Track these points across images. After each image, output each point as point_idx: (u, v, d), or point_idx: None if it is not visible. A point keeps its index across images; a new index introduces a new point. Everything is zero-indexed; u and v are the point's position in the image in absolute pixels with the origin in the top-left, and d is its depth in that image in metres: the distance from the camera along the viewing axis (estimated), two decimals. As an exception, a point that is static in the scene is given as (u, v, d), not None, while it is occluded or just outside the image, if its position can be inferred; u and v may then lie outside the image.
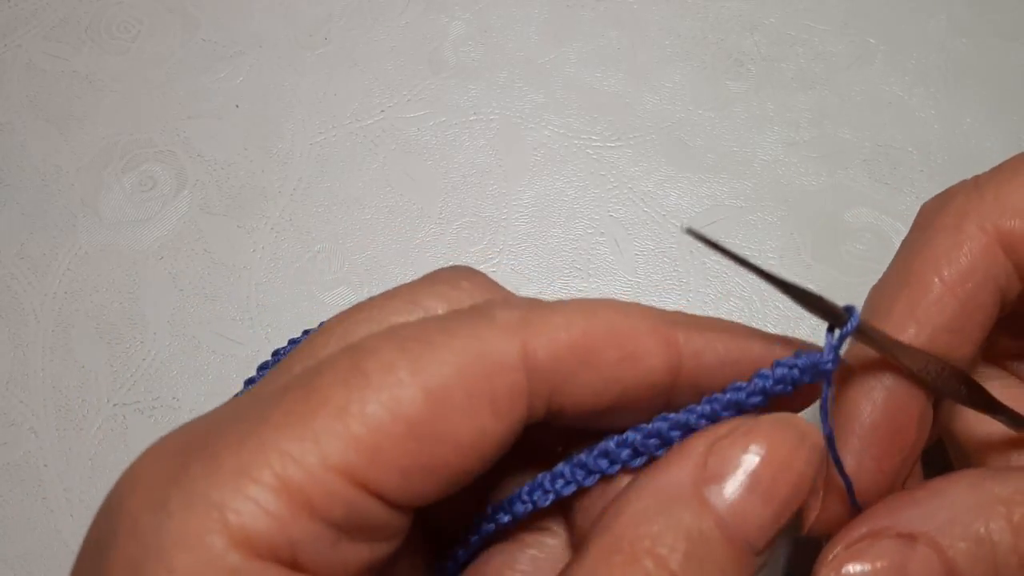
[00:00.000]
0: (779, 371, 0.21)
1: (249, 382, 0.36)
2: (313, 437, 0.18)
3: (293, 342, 0.37)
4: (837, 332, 0.22)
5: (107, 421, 0.36)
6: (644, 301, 0.38)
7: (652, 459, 0.21)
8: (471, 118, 0.43)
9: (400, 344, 0.19)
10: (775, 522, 0.20)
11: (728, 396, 0.21)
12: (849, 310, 0.22)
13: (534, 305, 0.21)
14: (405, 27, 0.45)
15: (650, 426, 0.21)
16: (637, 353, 0.20)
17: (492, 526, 0.22)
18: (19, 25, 0.46)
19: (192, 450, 0.18)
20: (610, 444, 0.21)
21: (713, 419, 0.21)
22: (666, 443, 0.21)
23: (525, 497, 0.21)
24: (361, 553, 0.19)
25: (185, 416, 0.36)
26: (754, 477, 0.20)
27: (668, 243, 0.40)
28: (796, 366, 0.21)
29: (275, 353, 0.37)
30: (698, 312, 0.38)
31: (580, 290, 0.39)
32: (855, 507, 0.23)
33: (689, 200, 0.41)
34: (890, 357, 0.23)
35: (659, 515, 0.19)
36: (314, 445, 0.18)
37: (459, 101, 0.43)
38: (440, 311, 0.21)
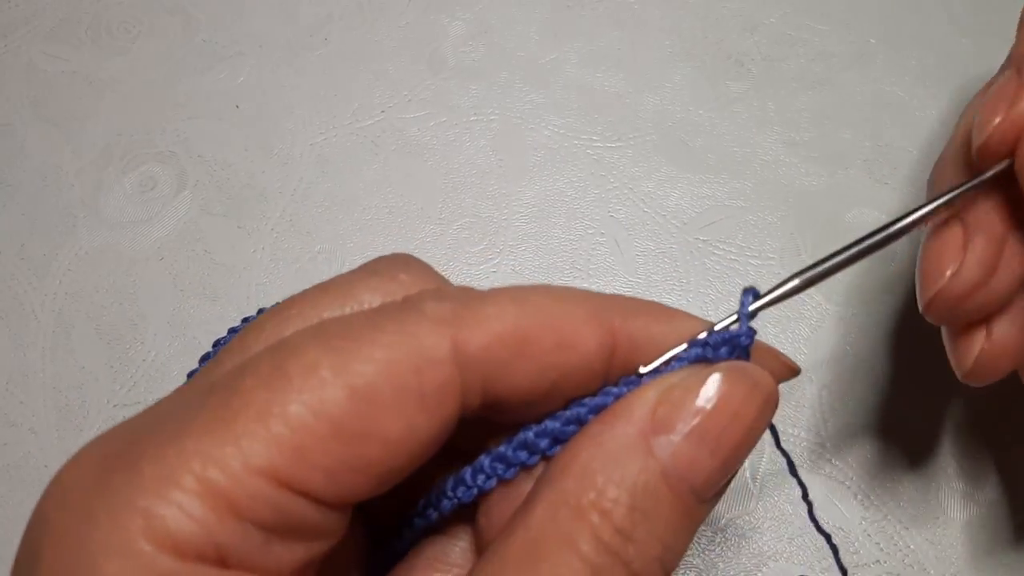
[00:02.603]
0: (694, 351, 0.21)
1: (191, 374, 0.36)
2: (234, 440, 0.17)
3: (233, 331, 0.37)
4: (747, 308, 0.22)
5: (107, 422, 0.36)
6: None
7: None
8: (471, 118, 0.43)
9: (325, 342, 0.19)
10: (723, 472, 0.20)
11: (646, 379, 0.21)
12: (746, 291, 0.22)
13: (466, 296, 0.20)
14: (405, 27, 0.45)
15: (568, 412, 0.21)
16: (572, 340, 0.20)
17: (421, 521, 0.22)
18: (19, 25, 0.46)
19: (114, 459, 0.18)
20: (529, 435, 0.21)
21: None
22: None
23: (449, 493, 0.21)
24: (295, 552, 0.18)
25: (185, 416, 0.36)
26: (703, 427, 0.19)
27: (668, 243, 0.40)
28: (708, 343, 0.21)
29: (215, 344, 0.37)
30: (698, 312, 0.38)
31: (580, 290, 0.39)
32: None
33: (689, 200, 0.41)
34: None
35: (605, 467, 0.19)
36: (236, 448, 0.17)
37: (459, 101, 0.43)
38: (374, 302, 0.21)
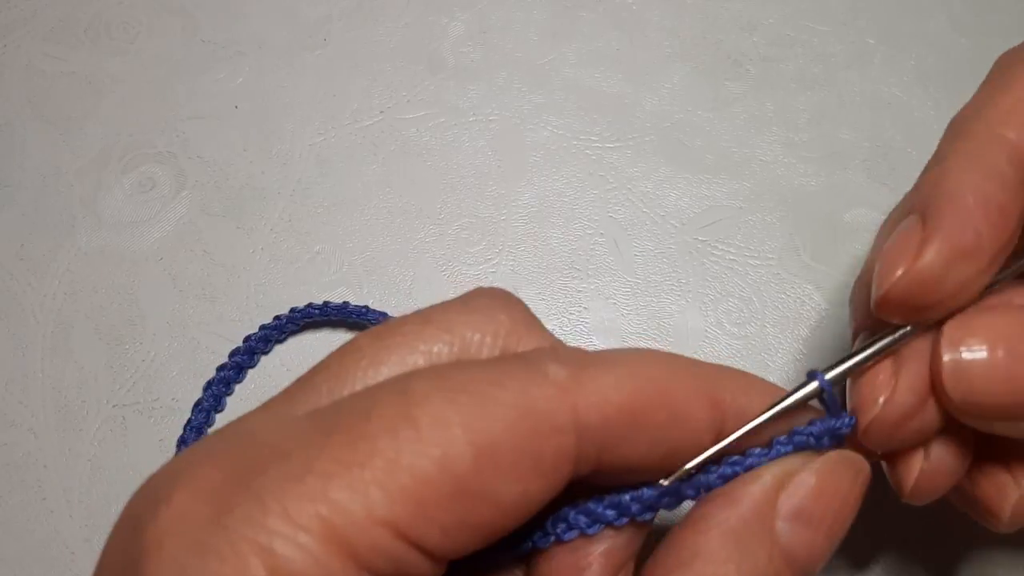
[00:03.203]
0: (797, 439, 0.22)
1: (208, 385, 0.36)
2: (362, 488, 0.17)
3: (248, 339, 0.37)
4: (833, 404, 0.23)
5: (107, 422, 0.36)
6: (643, 302, 0.38)
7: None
8: (470, 119, 0.43)
9: (451, 395, 0.19)
10: (829, 553, 0.21)
11: (749, 460, 0.22)
12: (811, 375, 0.23)
13: (583, 360, 0.20)
14: (405, 27, 0.45)
15: (667, 485, 0.21)
16: (685, 414, 0.20)
17: (494, 556, 0.22)
18: (19, 26, 0.46)
19: (235, 487, 0.18)
20: (625, 497, 0.21)
21: (731, 479, 0.22)
22: (680, 500, 0.21)
23: (535, 538, 0.21)
24: None
25: (185, 416, 0.36)
26: (821, 513, 0.21)
27: (667, 243, 0.40)
28: (812, 434, 0.22)
29: (232, 355, 0.37)
30: (698, 312, 0.38)
31: (579, 290, 0.39)
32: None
33: (688, 201, 0.41)
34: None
35: (734, 552, 0.20)
36: (362, 496, 0.17)
37: (458, 102, 0.43)
38: (476, 342, 0.21)
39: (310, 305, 0.37)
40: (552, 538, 0.21)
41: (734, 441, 0.21)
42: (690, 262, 0.39)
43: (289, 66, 0.44)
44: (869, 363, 0.23)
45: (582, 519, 0.21)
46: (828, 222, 0.40)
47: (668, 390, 0.20)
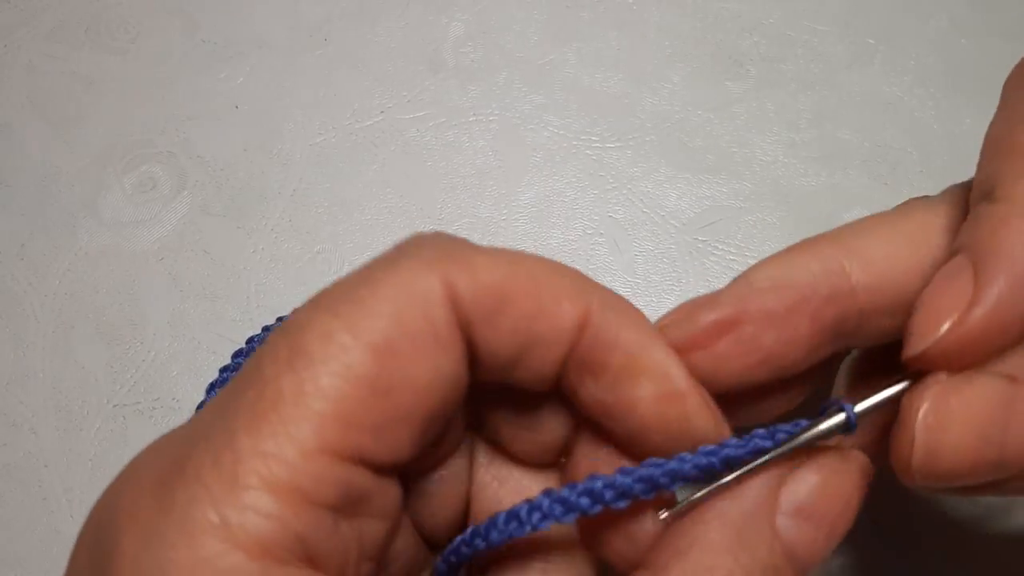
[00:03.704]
0: (779, 437, 0.22)
1: (211, 387, 0.36)
2: (282, 429, 0.18)
3: (250, 340, 0.37)
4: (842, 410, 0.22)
5: (107, 422, 0.36)
6: (643, 301, 0.38)
7: (635, 501, 0.21)
8: (471, 119, 0.43)
9: (331, 310, 0.19)
10: (828, 550, 0.21)
11: (724, 451, 0.21)
12: (834, 405, 0.22)
13: (458, 243, 0.21)
14: (405, 28, 0.45)
15: (641, 471, 0.21)
16: (551, 310, 0.20)
17: (468, 549, 0.22)
18: (19, 26, 0.46)
19: (172, 478, 0.18)
20: (596, 484, 0.21)
21: (706, 470, 0.21)
22: (654, 488, 0.21)
23: (501, 526, 0.21)
24: (362, 531, 0.19)
25: (185, 416, 0.36)
26: (823, 510, 0.20)
27: (667, 244, 0.40)
28: (791, 433, 0.22)
29: (235, 355, 0.37)
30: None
31: (580, 290, 0.39)
32: None
33: (688, 201, 0.41)
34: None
35: (735, 546, 0.20)
36: (285, 437, 0.18)
37: (459, 102, 0.43)
38: None
39: None
40: (528, 527, 0.21)
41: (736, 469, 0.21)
42: (690, 262, 0.39)
43: (289, 66, 0.44)
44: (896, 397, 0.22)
45: (557, 508, 0.21)
46: (828, 222, 0.40)
47: (537, 282, 0.20)
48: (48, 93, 0.44)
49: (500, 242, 0.40)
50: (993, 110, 0.29)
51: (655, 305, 0.38)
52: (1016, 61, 0.29)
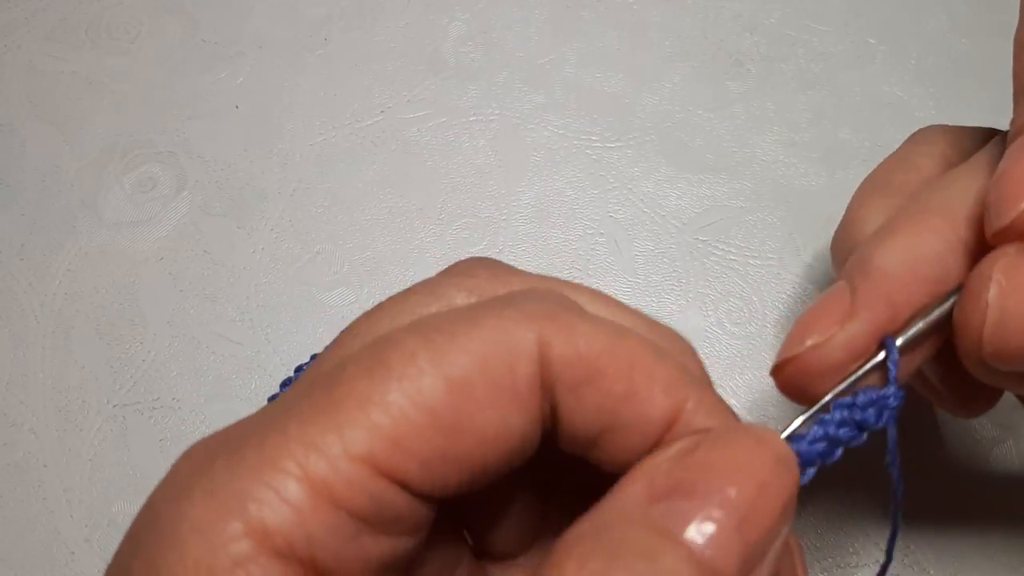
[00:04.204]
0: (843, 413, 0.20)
1: (272, 399, 0.36)
2: (336, 428, 0.18)
3: (299, 369, 0.37)
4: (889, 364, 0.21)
5: (107, 422, 0.36)
6: (643, 301, 0.38)
7: None
8: (471, 119, 0.43)
9: (423, 335, 0.19)
10: (757, 552, 0.17)
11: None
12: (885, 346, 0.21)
13: (567, 304, 0.20)
14: (405, 27, 0.45)
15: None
16: (642, 397, 0.19)
17: None
18: (19, 26, 0.46)
19: (218, 448, 0.18)
20: None
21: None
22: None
23: None
24: (382, 547, 0.18)
25: (185, 416, 0.36)
26: (704, 485, 0.17)
27: (668, 243, 0.40)
28: (857, 405, 0.20)
29: (297, 369, 0.37)
30: (698, 312, 0.38)
31: (580, 290, 0.39)
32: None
33: (689, 200, 0.41)
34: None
35: (602, 536, 0.17)
36: (336, 435, 0.18)
37: (459, 102, 0.43)
38: (460, 301, 0.21)
39: None
40: None
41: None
42: (691, 262, 0.39)
43: (289, 66, 0.44)
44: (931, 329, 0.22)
45: None
46: (829, 222, 0.40)
47: (634, 365, 0.19)
48: (48, 93, 0.44)
49: (500, 242, 0.40)
50: (993, 110, 0.30)
51: (655, 305, 0.38)
52: (1016, 61, 0.29)
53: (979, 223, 0.22)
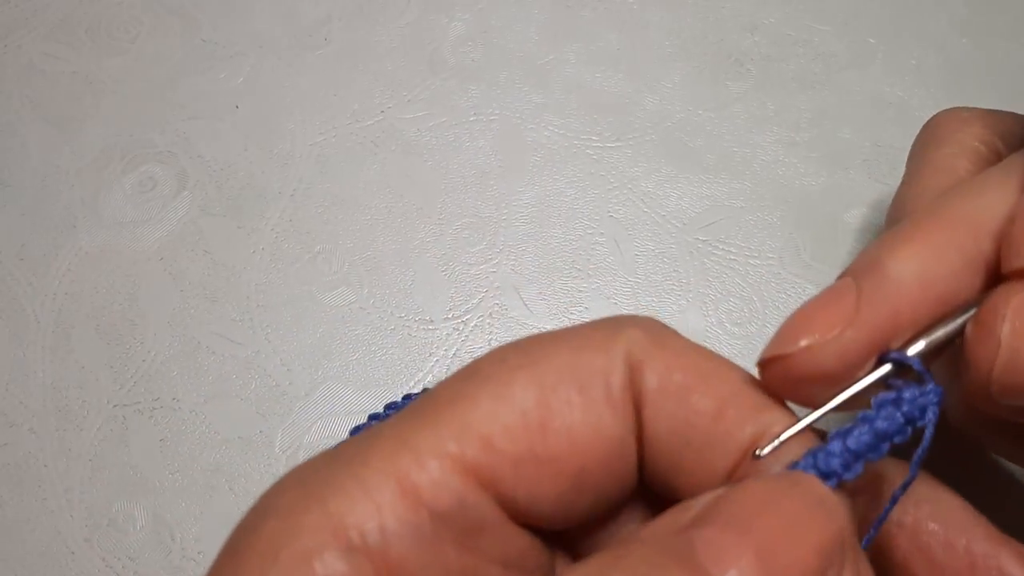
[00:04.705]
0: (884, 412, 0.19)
1: (355, 431, 0.35)
2: (428, 426, 0.18)
3: (373, 417, 0.37)
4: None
5: (107, 422, 0.36)
6: (644, 301, 0.38)
7: None
8: (471, 119, 0.43)
9: (519, 346, 0.19)
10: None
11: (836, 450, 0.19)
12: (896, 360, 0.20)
13: (661, 328, 0.20)
14: (405, 27, 0.45)
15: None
16: (730, 417, 0.19)
17: None
18: (19, 25, 0.46)
19: (312, 472, 0.19)
20: None
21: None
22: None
23: None
24: (464, 561, 0.18)
25: (185, 416, 0.36)
26: (756, 551, 0.16)
27: (668, 243, 0.40)
28: (901, 400, 0.19)
29: (387, 408, 0.37)
30: (699, 312, 0.38)
31: (580, 290, 0.39)
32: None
33: (689, 200, 0.41)
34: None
35: (652, 566, 0.16)
36: (429, 433, 0.18)
37: (459, 102, 0.43)
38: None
39: None
40: None
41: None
42: (691, 262, 0.39)
43: (289, 66, 0.44)
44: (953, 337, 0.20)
45: None
46: (829, 222, 0.40)
47: (726, 386, 0.19)
48: (48, 93, 0.44)
49: (500, 242, 0.40)
50: (994, 109, 0.30)
51: (656, 305, 0.38)
52: (1017, 61, 0.29)
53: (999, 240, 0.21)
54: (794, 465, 0.18)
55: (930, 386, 0.19)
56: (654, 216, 0.40)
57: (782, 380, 0.20)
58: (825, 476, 0.18)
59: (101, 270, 0.40)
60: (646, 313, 0.38)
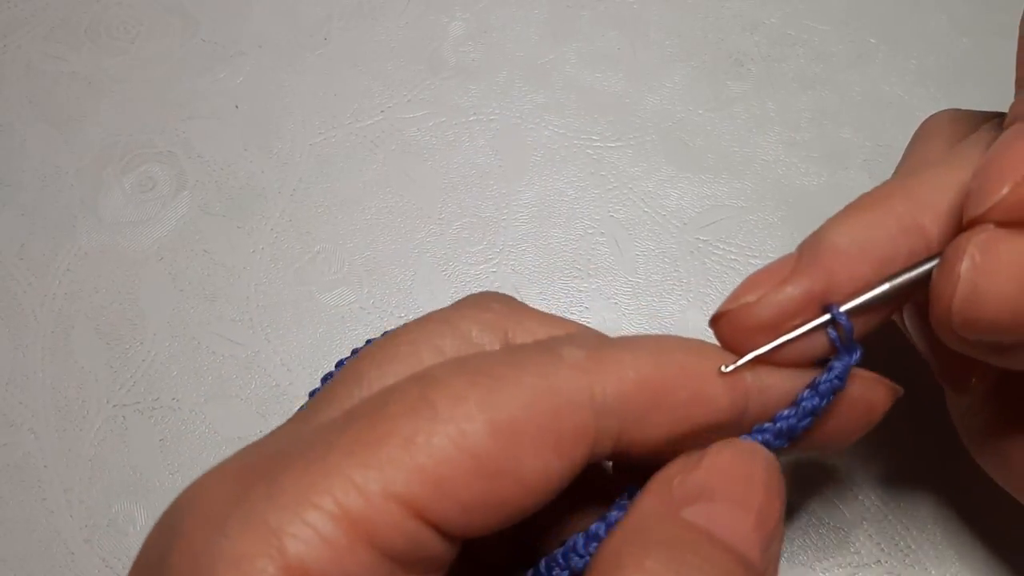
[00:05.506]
0: (822, 388, 0.22)
1: (312, 393, 0.35)
2: (378, 465, 0.17)
3: (340, 364, 0.37)
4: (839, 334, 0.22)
5: (107, 422, 0.36)
6: (644, 301, 0.38)
7: None
8: (471, 118, 0.43)
9: (469, 377, 0.19)
10: (767, 528, 0.20)
11: (778, 424, 0.22)
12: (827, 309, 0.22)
13: (601, 343, 0.21)
14: (405, 27, 0.45)
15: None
16: (705, 394, 0.20)
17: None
18: (19, 26, 0.46)
19: (254, 473, 0.18)
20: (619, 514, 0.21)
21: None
22: None
23: (581, 550, 0.21)
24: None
25: (185, 416, 0.36)
26: (724, 491, 0.20)
27: (668, 243, 0.40)
28: (836, 378, 0.22)
29: (324, 379, 0.36)
30: (699, 312, 0.38)
31: (580, 290, 0.39)
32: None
33: (689, 200, 0.40)
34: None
35: (649, 552, 0.19)
36: (378, 474, 0.17)
37: (459, 101, 0.43)
38: (476, 334, 0.21)
39: None
40: (567, 573, 0.21)
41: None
42: (691, 262, 0.39)
43: (289, 66, 0.44)
44: (890, 296, 0.23)
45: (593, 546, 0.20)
46: (829, 222, 0.40)
47: (687, 369, 0.20)
48: (48, 93, 0.44)
49: (500, 242, 0.40)
50: (994, 110, 0.29)
51: (656, 305, 0.38)
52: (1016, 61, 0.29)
53: (941, 211, 0.23)
54: (744, 437, 0.22)
55: (856, 351, 0.22)
56: (654, 216, 0.40)
57: (730, 333, 0.22)
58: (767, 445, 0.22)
59: (101, 270, 0.40)
60: (647, 313, 0.38)
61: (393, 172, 0.42)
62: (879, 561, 0.33)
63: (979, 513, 0.34)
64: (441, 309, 0.22)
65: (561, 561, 0.21)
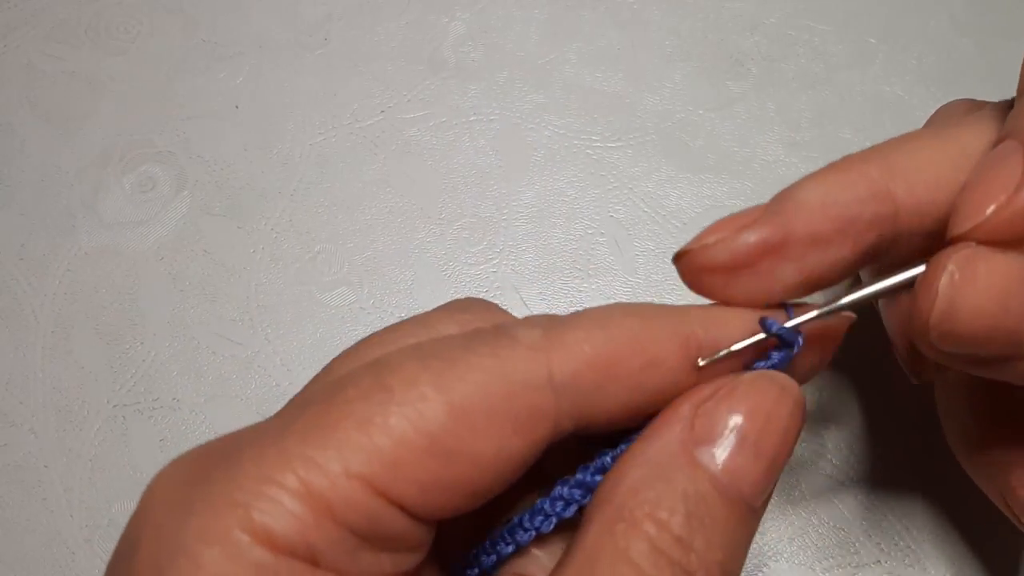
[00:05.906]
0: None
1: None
2: (336, 446, 0.18)
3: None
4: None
5: (107, 422, 0.36)
6: (644, 301, 0.38)
7: None
8: (471, 118, 0.43)
9: (423, 361, 0.19)
10: (768, 476, 0.20)
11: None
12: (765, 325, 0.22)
13: (552, 322, 0.21)
14: (405, 27, 0.45)
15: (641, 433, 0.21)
16: (658, 358, 0.21)
17: (493, 557, 0.22)
18: (19, 25, 0.46)
19: (214, 458, 0.18)
20: (607, 459, 0.21)
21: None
22: None
23: (527, 524, 0.21)
24: (382, 564, 0.19)
25: (185, 416, 0.36)
26: (741, 434, 0.20)
27: (668, 243, 0.40)
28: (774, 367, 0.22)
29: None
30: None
31: (580, 290, 0.39)
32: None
33: (689, 200, 0.40)
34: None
35: (655, 481, 0.19)
36: (337, 453, 0.18)
37: (459, 101, 0.43)
38: (450, 331, 0.21)
39: None
40: (554, 519, 0.21)
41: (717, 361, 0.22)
42: (691, 262, 0.39)
43: (289, 66, 0.44)
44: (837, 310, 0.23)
45: (576, 492, 0.21)
46: (829, 222, 0.40)
47: (638, 337, 0.21)
48: (48, 93, 0.44)
49: (500, 242, 0.40)
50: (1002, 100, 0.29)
51: (656, 305, 0.38)
52: (1018, 61, 0.29)
53: (915, 182, 0.23)
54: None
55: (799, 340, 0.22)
56: (654, 216, 0.40)
57: (688, 271, 0.23)
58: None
59: (101, 270, 0.40)
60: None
61: (393, 172, 0.42)
62: (879, 561, 0.33)
63: (979, 513, 0.34)
64: (422, 313, 0.23)
65: (507, 537, 0.21)
